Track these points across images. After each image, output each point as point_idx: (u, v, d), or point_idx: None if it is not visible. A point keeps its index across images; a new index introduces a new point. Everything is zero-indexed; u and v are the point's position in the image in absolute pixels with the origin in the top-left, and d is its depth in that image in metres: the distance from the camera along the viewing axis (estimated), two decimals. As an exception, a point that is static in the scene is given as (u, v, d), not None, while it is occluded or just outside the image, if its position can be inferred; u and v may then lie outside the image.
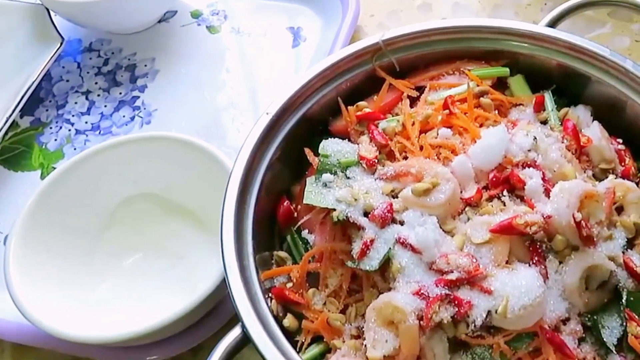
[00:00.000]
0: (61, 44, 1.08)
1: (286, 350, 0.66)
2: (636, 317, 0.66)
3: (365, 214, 0.71)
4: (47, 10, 1.12)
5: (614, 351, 0.65)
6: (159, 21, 1.20)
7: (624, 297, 0.67)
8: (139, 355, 0.83)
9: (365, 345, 0.66)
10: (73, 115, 1.10)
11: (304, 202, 0.73)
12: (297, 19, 1.18)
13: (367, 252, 0.68)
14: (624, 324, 0.66)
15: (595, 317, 0.67)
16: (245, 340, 0.66)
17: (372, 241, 0.68)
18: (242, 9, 1.21)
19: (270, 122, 0.79)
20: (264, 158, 0.78)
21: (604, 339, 0.65)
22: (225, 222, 0.72)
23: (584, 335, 0.67)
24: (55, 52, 1.07)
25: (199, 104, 1.09)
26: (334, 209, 0.70)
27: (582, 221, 0.66)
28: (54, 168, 1.02)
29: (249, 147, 0.77)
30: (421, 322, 0.64)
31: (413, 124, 0.78)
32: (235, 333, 0.67)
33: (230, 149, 0.98)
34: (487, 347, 0.65)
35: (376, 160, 0.76)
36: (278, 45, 1.15)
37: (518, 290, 0.63)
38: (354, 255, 0.69)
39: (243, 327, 0.66)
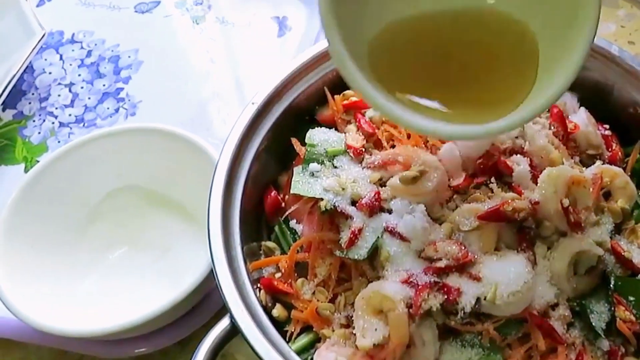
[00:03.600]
0: (43, 35, 1.06)
1: (275, 340, 0.65)
2: (624, 301, 0.66)
3: (353, 203, 0.70)
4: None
5: (603, 336, 0.65)
6: (142, 12, 1.18)
7: (612, 282, 0.67)
8: (127, 348, 0.83)
9: (355, 334, 0.66)
10: (56, 108, 1.08)
11: (291, 192, 0.72)
12: (282, 8, 1.17)
13: (356, 241, 0.68)
14: (612, 308, 0.66)
15: (583, 302, 0.67)
16: (234, 331, 0.66)
17: (360, 230, 0.68)
18: (226, -2, 1.20)
19: (256, 112, 0.78)
20: (250, 148, 0.78)
21: (593, 324, 0.65)
22: (212, 213, 0.71)
23: (572, 320, 0.67)
24: (37, 44, 1.05)
25: (184, 95, 1.07)
26: (322, 199, 0.70)
27: (570, 207, 0.66)
28: (38, 161, 1.01)
29: (235, 137, 0.76)
30: (410, 310, 0.63)
31: (400, 112, 0.78)
32: (223, 324, 0.66)
33: (216, 140, 0.97)
34: (477, 333, 0.65)
35: (363, 149, 0.75)
36: (263, 35, 1.14)
37: (507, 277, 0.63)
38: (343, 245, 0.68)
39: (231, 317, 0.65)
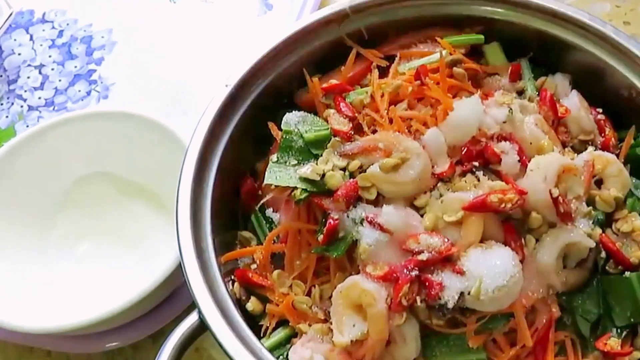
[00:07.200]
0: (10, 14, 1.01)
1: (246, 337, 0.63)
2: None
3: (331, 192, 0.66)
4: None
5: (589, 339, 0.64)
6: (118, -10, 1.13)
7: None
8: (97, 343, 0.80)
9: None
10: (25, 91, 1.04)
11: (264, 182, 0.68)
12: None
13: (333, 235, 0.64)
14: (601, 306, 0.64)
15: (571, 301, 0.65)
16: (203, 326, 0.63)
17: (336, 224, 0.64)
18: (205, -25, 1.15)
19: (229, 94, 0.75)
20: (223, 133, 0.74)
21: (580, 328, 0.64)
22: (181, 202, 0.68)
23: (561, 315, 0.64)
24: (4, 23, 1.00)
25: (159, 77, 1.03)
26: (296, 188, 0.66)
27: (560, 197, 0.63)
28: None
29: (206, 122, 0.73)
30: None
31: (382, 95, 0.74)
32: (192, 319, 0.64)
33: (194, 124, 0.93)
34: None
35: (352, 132, 0.71)
36: (243, 14, 1.10)
37: (492, 271, 0.61)
38: (319, 239, 0.65)
39: (200, 313, 0.62)
